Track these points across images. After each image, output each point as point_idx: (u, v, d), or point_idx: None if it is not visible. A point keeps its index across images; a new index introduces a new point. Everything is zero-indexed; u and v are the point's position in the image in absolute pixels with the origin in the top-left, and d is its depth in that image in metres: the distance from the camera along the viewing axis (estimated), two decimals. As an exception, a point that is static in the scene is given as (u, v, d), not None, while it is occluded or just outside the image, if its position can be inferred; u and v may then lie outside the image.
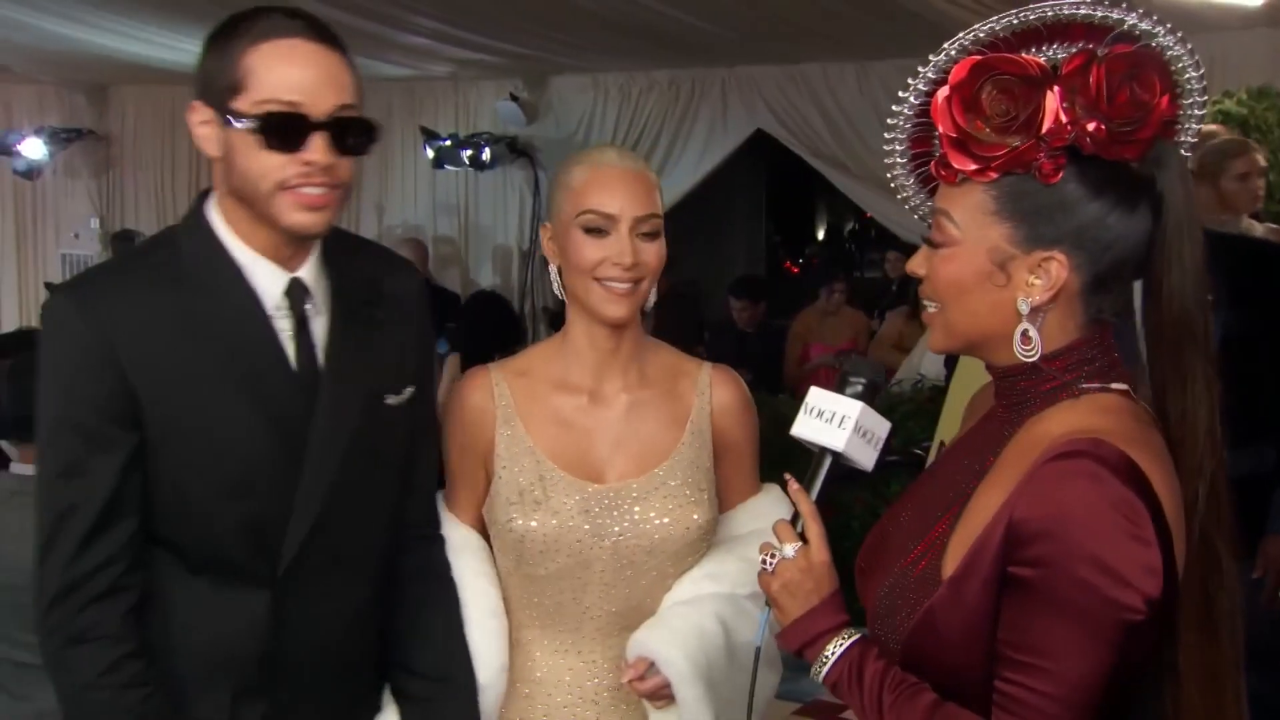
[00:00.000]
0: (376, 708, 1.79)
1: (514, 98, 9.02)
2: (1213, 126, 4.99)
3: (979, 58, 1.30)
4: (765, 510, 1.93)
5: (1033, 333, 1.30)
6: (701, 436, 1.89)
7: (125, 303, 1.55)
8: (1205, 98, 1.34)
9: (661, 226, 1.83)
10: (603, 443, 1.86)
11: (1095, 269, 1.30)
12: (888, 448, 1.50)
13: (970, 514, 1.32)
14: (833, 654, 1.39)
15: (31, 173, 10.21)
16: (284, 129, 1.50)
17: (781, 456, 6.34)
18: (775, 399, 6.33)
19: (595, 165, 1.82)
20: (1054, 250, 1.29)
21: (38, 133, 10.11)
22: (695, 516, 1.85)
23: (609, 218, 1.78)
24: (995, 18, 1.31)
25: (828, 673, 1.40)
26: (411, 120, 9.29)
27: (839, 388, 1.50)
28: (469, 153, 8.85)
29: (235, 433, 1.57)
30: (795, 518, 1.48)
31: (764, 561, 1.47)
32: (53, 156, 10.24)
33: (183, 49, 8.32)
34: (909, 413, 5.54)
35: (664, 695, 1.81)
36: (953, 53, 1.32)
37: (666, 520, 1.83)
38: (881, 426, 1.49)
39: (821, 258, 14.69)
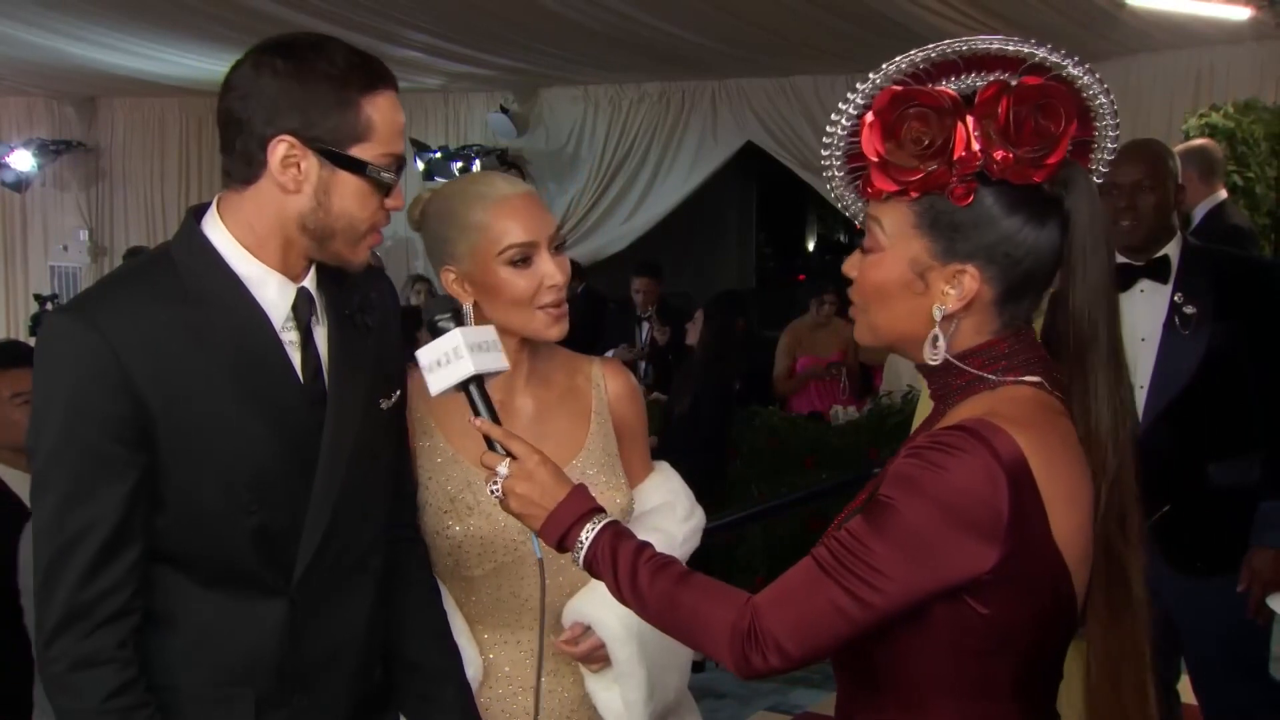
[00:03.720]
0: (385, 708, 1.81)
1: (504, 110, 9.04)
2: (1201, 141, 5.02)
3: (899, 88, 1.39)
4: (663, 485, 2.06)
5: (941, 340, 1.40)
6: (605, 426, 1.99)
7: (130, 318, 1.53)
8: (1117, 120, 1.43)
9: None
10: None
11: (1007, 281, 1.39)
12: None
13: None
14: (587, 538, 1.49)
15: (20, 185, 10.21)
16: (394, 179, 1.61)
17: (774, 465, 6.31)
18: (766, 410, 6.35)
19: (494, 199, 1.87)
20: (968, 264, 1.38)
21: (26, 145, 10.10)
22: (617, 500, 1.94)
23: (532, 245, 1.86)
24: (914, 51, 1.41)
25: (584, 556, 1.49)
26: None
27: (434, 335, 1.59)
28: (459, 165, 8.86)
29: (246, 445, 1.56)
30: (491, 444, 1.56)
31: (492, 492, 1.56)
32: (41, 168, 10.24)
33: (171, 61, 8.32)
34: (898, 424, 5.54)
35: (599, 657, 1.90)
36: (878, 80, 1.42)
37: None
38: (486, 332, 1.60)
39: (810, 269, 14.72)
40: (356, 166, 1.56)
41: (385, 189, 1.58)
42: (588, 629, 1.90)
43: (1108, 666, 1.42)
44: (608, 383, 2.02)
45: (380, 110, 1.57)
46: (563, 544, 1.52)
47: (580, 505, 1.52)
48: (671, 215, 8.96)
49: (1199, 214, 4.64)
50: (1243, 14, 5.86)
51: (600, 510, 1.52)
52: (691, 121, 8.69)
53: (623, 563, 1.46)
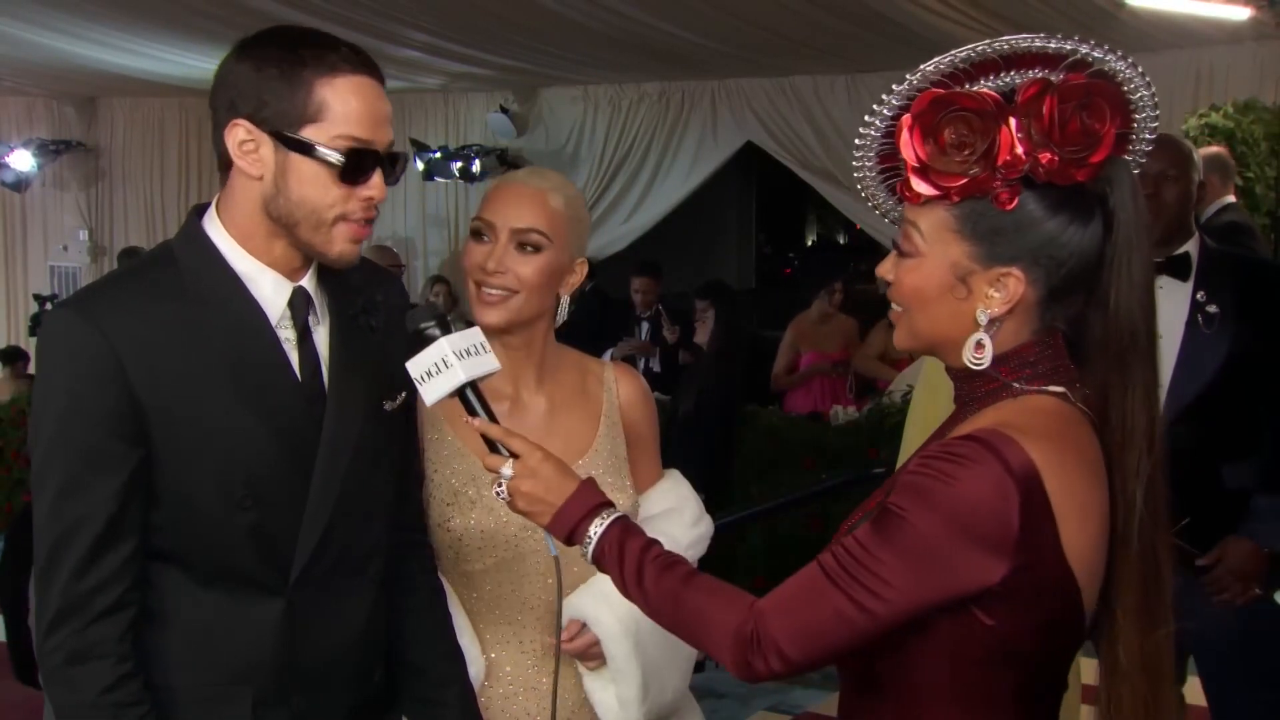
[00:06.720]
0: (387, 711, 1.81)
1: (504, 110, 9.04)
2: (1216, 148, 5.04)
3: (940, 90, 1.36)
4: (672, 490, 2.08)
5: (986, 342, 1.38)
6: (615, 428, 2.01)
7: (128, 315, 1.54)
8: (1158, 112, 1.41)
9: (545, 244, 1.88)
10: None
11: (1050, 283, 1.37)
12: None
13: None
14: (595, 533, 1.49)
15: (20, 185, 10.20)
16: (359, 165, 1.55)
17: (774, 465, 6.32)
18: (765, 410, 6.34)
19: (502, 180, 1.96)
20: (1012, 267, 1.36)
21: (26, 145, 10.10)
22: (621, 501, 1.93)
23: (489, 225, 1.90)
24: (954, 52, 1.37)
25: (593, 551, 1.49)
26: (402, 132, 9.31)
27: (420, 346, 1.55)
28: (459, 165, 8.87)
29: (242, 443, 1.57)
30: (494, 446, 1.54)
31: (498, 494, 1.54)
32: (41, 168, 10.24)
33: (171, 61, 8.31)
34: (898, 424, 5.54)
35: (595, 654, 1.91)
36: (915, 81, 1.38)
37: None
38: (472, 335, 1.56)
39: (810, 269, 14.73)
40: (304, 148, 1.53)
41: (346, 174, 1.54)
42: (584, 625, 1.91)
43: (1151, 668, 1.40)
44: (619, 386, 2.04)
45: (338, 92, 1.53)
46: (571, 539, 1.50)
47: (588, 500, 1.50)
48: (671, 215, 8.96)
49: (1206, 215, 4.67)
50: (1243, 14, 5.86)
51: (609, 505, 1.51)
52: (691, 121, 8.69)
53: (629, 559, 1.45)
